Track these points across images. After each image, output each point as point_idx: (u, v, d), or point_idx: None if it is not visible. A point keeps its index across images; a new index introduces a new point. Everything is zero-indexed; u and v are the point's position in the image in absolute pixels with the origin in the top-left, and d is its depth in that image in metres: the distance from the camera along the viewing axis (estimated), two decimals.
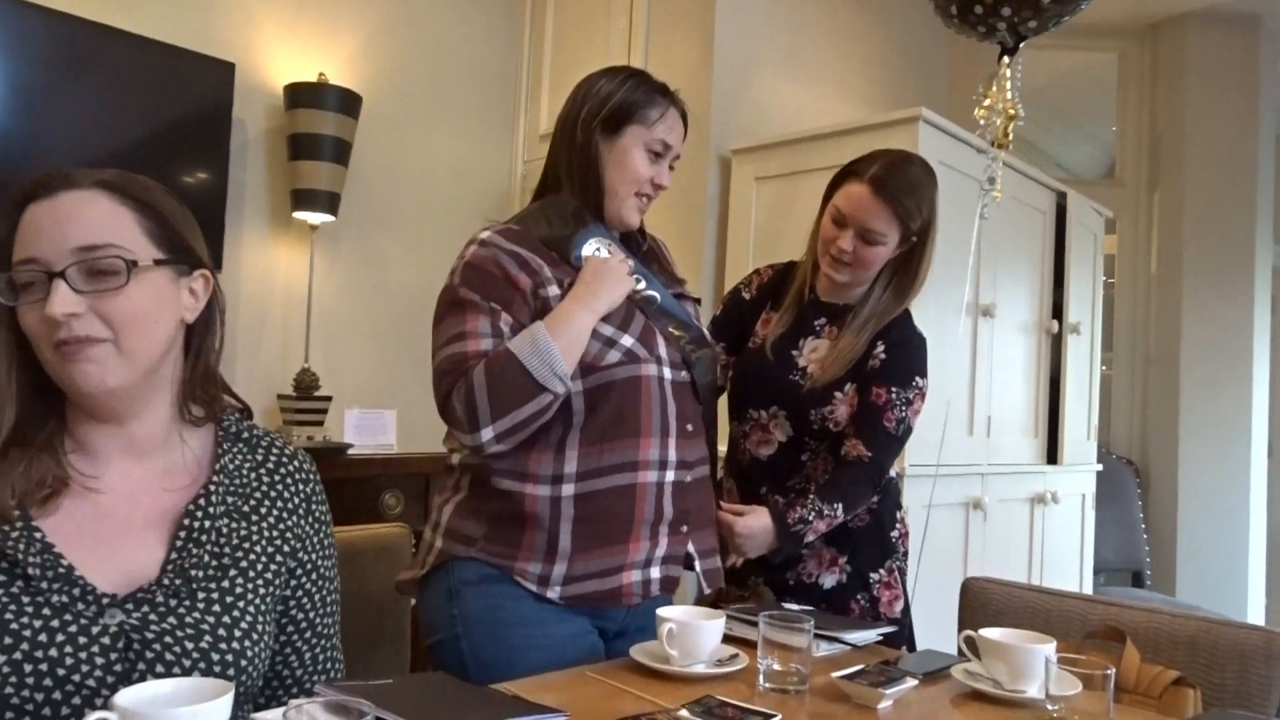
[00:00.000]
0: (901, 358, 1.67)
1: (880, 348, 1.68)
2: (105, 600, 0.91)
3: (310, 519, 1.09)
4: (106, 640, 0.89)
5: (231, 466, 1.05)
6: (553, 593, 1.27)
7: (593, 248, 1.36)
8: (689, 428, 1.38)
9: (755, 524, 1.53)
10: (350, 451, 2.55)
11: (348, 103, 2.75)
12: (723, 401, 1.70)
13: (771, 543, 1.55)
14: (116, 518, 0.96)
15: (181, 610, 0.94)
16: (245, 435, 1.10)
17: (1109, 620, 1.44)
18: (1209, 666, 1.35)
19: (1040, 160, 5.00)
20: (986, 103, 1.51)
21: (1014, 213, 2.87)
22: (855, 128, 2.56)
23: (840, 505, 1.59)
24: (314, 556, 1.09)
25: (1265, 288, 4.21)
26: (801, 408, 1.67)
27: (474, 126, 3.35)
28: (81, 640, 0.89)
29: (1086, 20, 4.17)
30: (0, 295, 0.94)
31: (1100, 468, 3.46)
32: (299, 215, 2.76)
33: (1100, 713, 0.99)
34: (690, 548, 1.38)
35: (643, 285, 1.41)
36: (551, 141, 1.46)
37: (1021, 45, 1.52)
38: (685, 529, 1.37)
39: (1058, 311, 3.10)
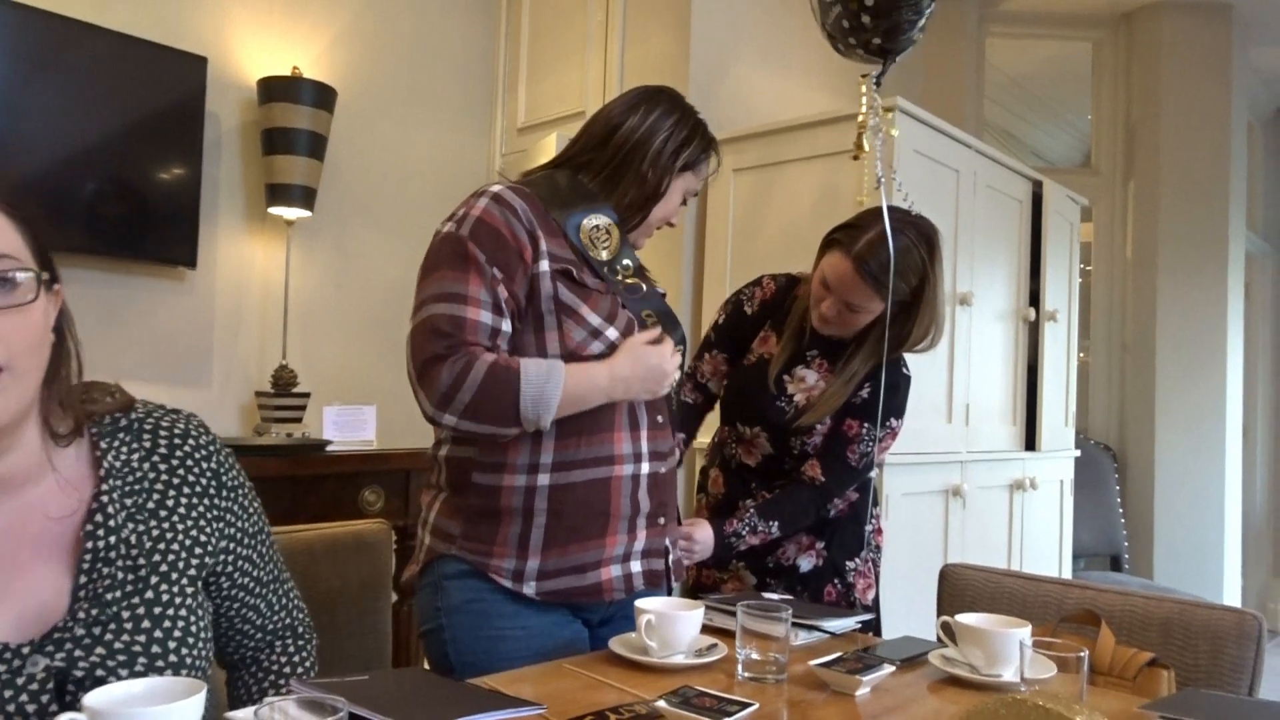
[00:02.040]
0: (884, 400, 1.70)
1: (866, 389, 1.71)
2: (25, 650, 0.84)
3: (224, 492, 1.02)
4: (35, 687, 0.83)
5: (119, 464, 0.95)
6: (528, 589, 1.26)
7: (593, 222, 1.36)
8: (659, 419, 1.39)
9: (704, 535, 1.64)
10: (329, 448, 2.53)
11: (322, 96, 2.73)
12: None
13: (712, 550, 1.66)
14: (2, 560, 0.87)
15: (109, 637, 0.87)
16: (124, 423, 0.98)
17: (1085, 604, 1.46)
18: (1183, 648, 1.36)
19: (1017, 149, 5.03)
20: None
21: (991, 201, 2.89)
22: (832, 118, 2.56)
23: (776, 524, 1.67)
24: (241, 524, 1.03)
25: (1238, 274, 4.26)
26: (783, 433, 1.73)
27: (451, 119, 3.33)
28: (7, 694, 0.82)
29: (1061, 10, 4.23)
30: None
31: (1078, 454, 3.49)
32: (274, 210, 2.74)
33: (1074, 695, 1.00)
34: (667, 540, 1.39)
35: (674, 378, 1.39)
36: (595, 137, 1.41)
37: (893, 58, 1.66)
38: (663, 520, 1.38)
39: (1035, 299, 3.12)
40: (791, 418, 1.71)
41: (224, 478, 1.02)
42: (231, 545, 1.02)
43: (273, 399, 2.67)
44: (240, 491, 1.05)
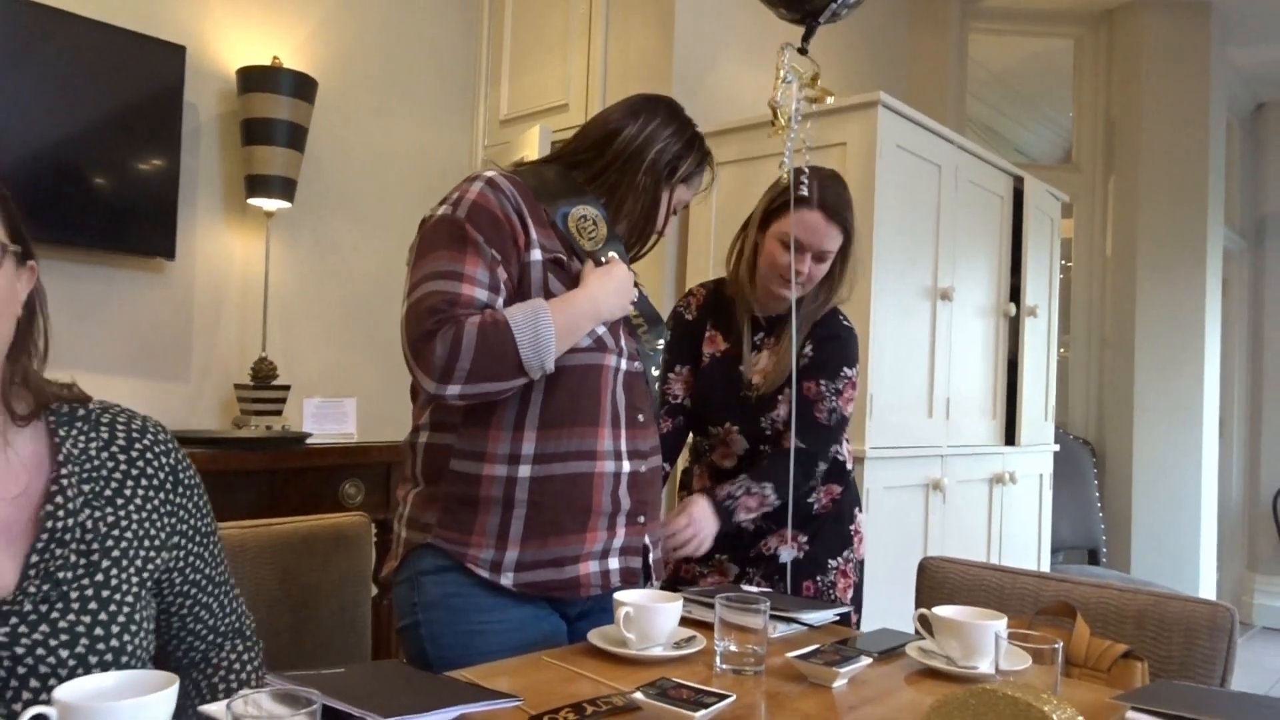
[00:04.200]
0: (830, 351, 1.76)
1: (809, 346, 1.77)
2: None
3: (179, 489, 1.03)
4: None
5: (77, 451, 0.96)
6: (506, 580, 1.26)
7: (581, 212, 1.35)
8: (640, 417, 1.38)
9: (702, 512, 1.64)
10: (309, 441, 2.52)
11: (302, 87, 2.70)
12: None
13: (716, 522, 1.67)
14: None
15: (54, 615, 0.87)
16: (81, 413, 0.99)
17: (1061, 596, 1.47)
18: (1156, 639, 1.37)
19: (999, 145, 5.06)
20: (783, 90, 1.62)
21: (972, 197, 2.90)
22: (814, 112, 2.56)
23: (769, 485, 1.69)
24: (194, 521, 1.05)
25: (1216, 270, 4.30)
26: (752, 418, 1.77)
27: (433, 111, 3.31)
28: None
29: (1043, 6, 4.25)
30: None
31: (1057, 448, 3.51)
32: (254, 202, 2.72)
33: (1048, 686, 1.01)
34: (646, 539, 1.39)
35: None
36: (591, 140, 1.41)
37: (814, 22, 1.64)
38: (643, 519, 1.37)
39: (1015, 295, 3.14)
40: (755, 398, 1.76)
41: (180, 474, 1.04)
42: (183, 541, 1.03)
43: (252, 391, 2.65)
44: (195, 491, 1.06)
